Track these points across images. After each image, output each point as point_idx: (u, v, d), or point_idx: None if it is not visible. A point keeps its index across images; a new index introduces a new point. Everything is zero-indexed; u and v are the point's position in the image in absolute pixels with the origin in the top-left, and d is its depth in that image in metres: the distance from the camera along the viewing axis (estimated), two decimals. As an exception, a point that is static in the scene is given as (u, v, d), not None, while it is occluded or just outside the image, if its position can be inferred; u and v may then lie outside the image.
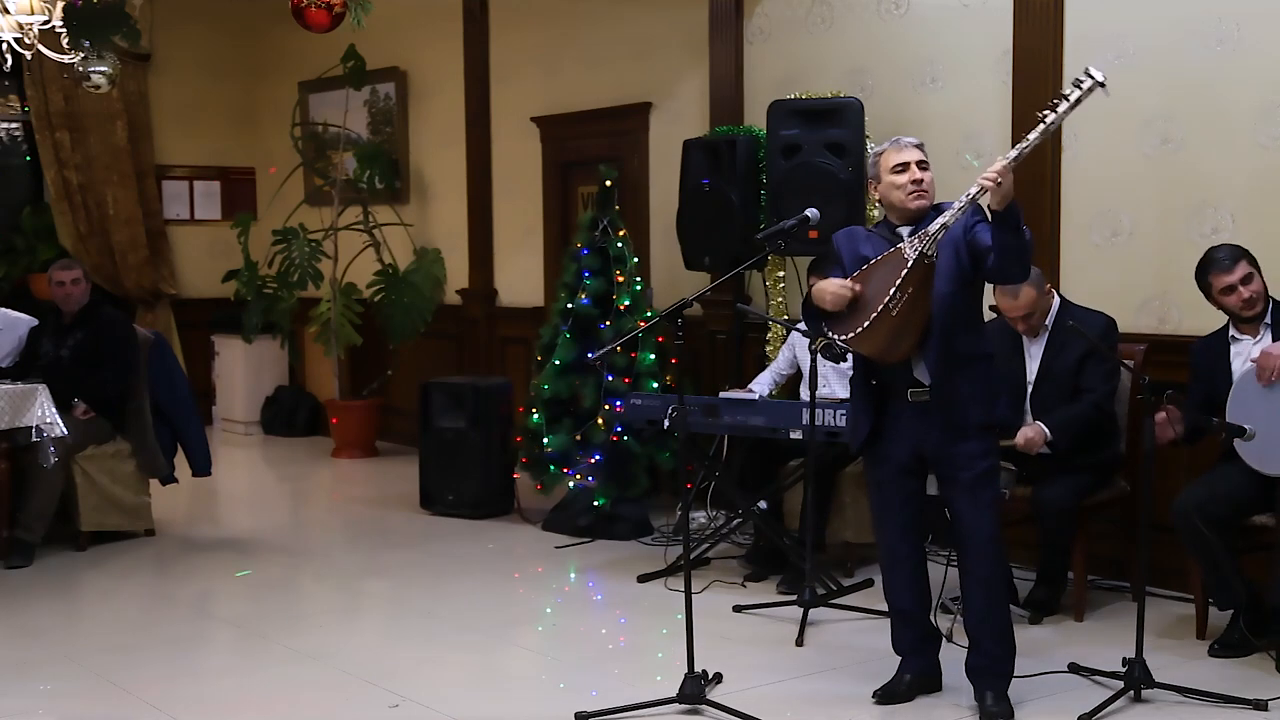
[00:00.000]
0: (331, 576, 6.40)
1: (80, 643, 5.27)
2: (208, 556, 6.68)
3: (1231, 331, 4.98)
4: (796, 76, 6.99)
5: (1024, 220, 4.03)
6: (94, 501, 6.69)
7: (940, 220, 4.07)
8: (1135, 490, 5.32)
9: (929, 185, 4.26)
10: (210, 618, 5.81)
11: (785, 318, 6.60)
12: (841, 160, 6.28)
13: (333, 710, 4.50)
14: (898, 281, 4.05)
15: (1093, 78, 3.92)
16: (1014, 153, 3.98)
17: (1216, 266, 4.89)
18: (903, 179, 4.23)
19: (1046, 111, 3.95)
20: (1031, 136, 3.95)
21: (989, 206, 4.02)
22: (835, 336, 4.21)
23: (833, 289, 4.18)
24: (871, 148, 4.31)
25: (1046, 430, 5.15)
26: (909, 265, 4.05)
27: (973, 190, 4.00)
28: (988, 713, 4.23)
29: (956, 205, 4.05)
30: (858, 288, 4.15)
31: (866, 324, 4.10)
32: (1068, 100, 3.93)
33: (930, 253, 4.07)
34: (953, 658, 4.53)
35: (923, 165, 4.26)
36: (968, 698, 4.37)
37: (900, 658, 4.53)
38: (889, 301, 4.06)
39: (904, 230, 4.26)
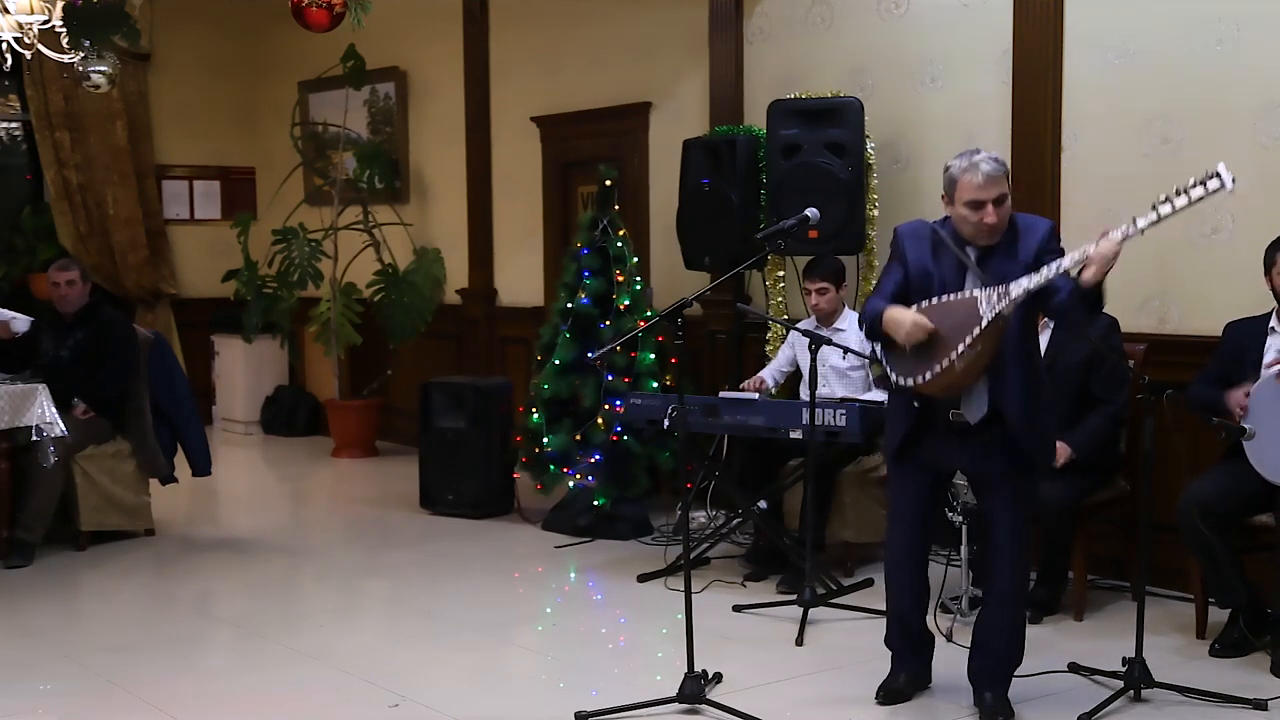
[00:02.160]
0: (331, 576, 6.40)
1: (80, 643, 5.27)
2: (208, 556, 6.67)
3: (1273, 321, 4.94)
4: (796, 76, 6.99)
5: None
6: (94, 501, 6.68)
7: (1023, 284, 3.89)
8: (1135, 490, 5.32)
9: (1003, 224, 4.05)
10: (210, 618, 5.81)
11: (785, 317, 6.60)
12: (841, 160, 6.28)
13: (333, 710, 4.49)
14: (968, 340, 3.92)
15: (1221, 179, 3.71)
16: (1121, 231, 3.81)
17: None
18: (975, 217, 4.02)
19: (1166, 204, 3.76)
20: (1141, 223, 3.77)
21: (1079, 276, 3.84)
22: (897, 377, 4.12)
23: (909, 325, 4.02)
24: (952, 163, 4.10)
25: (1069, 449, 5.15)
26: (983, 326, 3.91)
27: (1066, 262, 3.86)
28: (988, 712, 4.23)
29: (1043, 273, 3.88)
30: (931, 327, 4.01)
31: (929, 376, 4.00)
32: (1188, 197, 3.73)
33: (1007, 314, 3.94)
34: (953, 657, 4.54)
35: (1000, 201, 4.02)
36: (967, 697, 4.37)
37: (891, 655, 4.52)
38: (956, 358, 3.94)
39: (971, 251, 4.09)
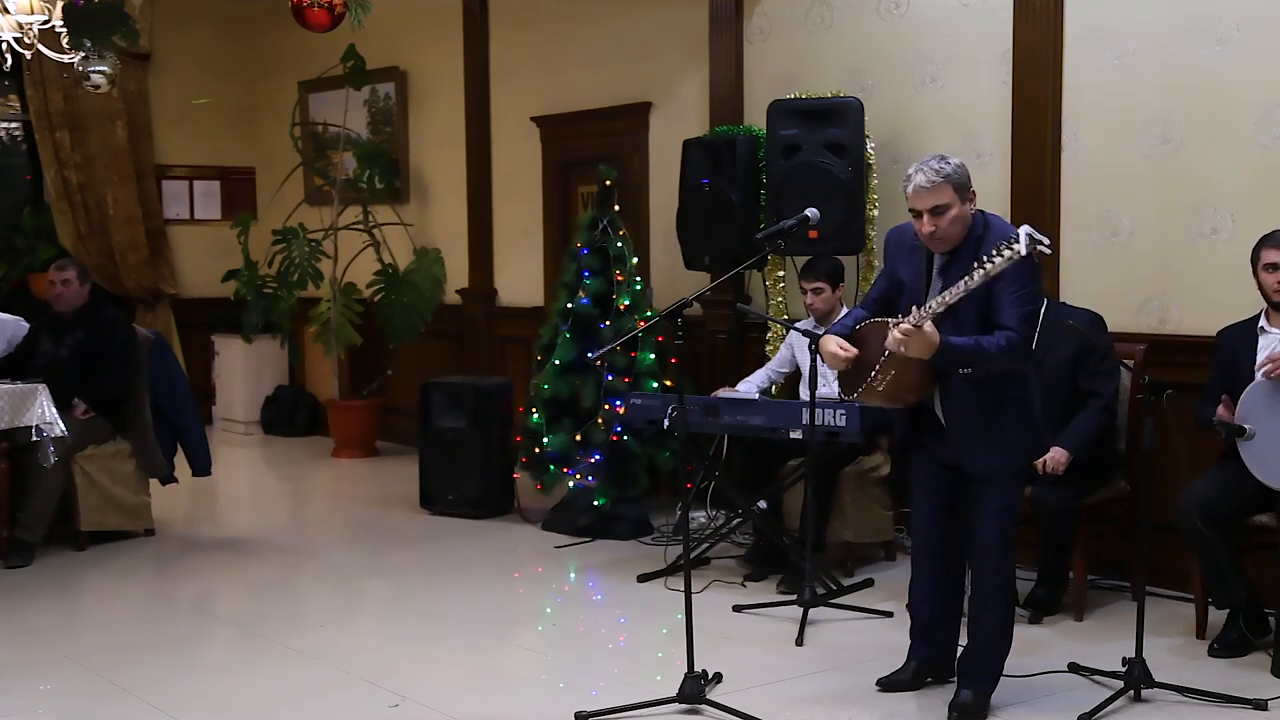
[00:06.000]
0: (331, 576, 6.39)
1: (80, 643, 5.27)
2: (208, 556, 6.67)
3: (1262, 322, 4.93)
4: (796, 76, 6.99)
5: (967, 353, 3.97)
6: (94, 501, 6.68)
7: (920, 313, 3.93)
8: (1135, 490, 5.32)
9: (944, 232, 4.02)
10: (210, 618, 5.81)
11: (785, 317, 6.60)
12: (841, 160, 6.28)
13: (333, 710, 4.49)
14: (878, 366, 4.10)
15: (1038, 241, 3.76)
16: (912, 320, 3.92)
17: (1271, 241, 4.84)
18: (916, 226, 4.10)
19: (978, 268, 3.82)
20: (960, 287, 3.86)
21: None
22: (839, 391, 4.33)
23: (829, 351, 4.22)
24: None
25: (1066, 452, 5.14)
26: (885, 355, 4.05)
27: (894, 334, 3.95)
28: (956, 707, 4.22)
29: (931, 307, 3.93)
30: (852, 355, 4.17)
31: (859, 392, 4.19)
32: (994, 261, 3.77)
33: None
34: (953, 658, 4.54)
35: (938, 211, 3.98)
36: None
37: (911, 644, 4.52)
38: (872, 380, 4.12)
39: (938, 259, 4.13)
